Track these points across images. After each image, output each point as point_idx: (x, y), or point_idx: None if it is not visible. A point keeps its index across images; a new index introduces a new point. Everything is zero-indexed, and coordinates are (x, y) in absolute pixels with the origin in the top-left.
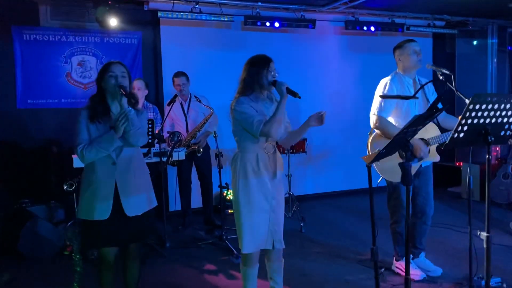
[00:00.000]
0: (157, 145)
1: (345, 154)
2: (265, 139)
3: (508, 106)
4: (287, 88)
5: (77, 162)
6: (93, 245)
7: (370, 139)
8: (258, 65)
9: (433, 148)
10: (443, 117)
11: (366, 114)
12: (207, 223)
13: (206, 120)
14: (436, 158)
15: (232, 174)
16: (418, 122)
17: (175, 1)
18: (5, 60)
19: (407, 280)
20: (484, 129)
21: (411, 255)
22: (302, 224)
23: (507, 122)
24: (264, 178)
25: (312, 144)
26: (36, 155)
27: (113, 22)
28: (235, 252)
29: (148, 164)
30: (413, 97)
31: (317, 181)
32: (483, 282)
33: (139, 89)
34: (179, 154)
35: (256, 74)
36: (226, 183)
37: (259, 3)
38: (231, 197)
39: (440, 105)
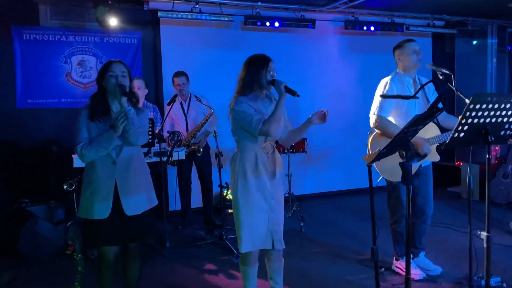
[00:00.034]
0: (157, 144)
1: (345, 153)
2: (264, 138)
3: (508, 105)
4: (286, 87)
5: (77, 162)
6: (93, 244)
7: (370, 139)
8: (257, 65)
9: (433, 148)
10: (443, 117)
11: (366, 114)
12: (207, 222)
13: (206, 120)
14: (436, 157)
15: (231, 173)
16: (418, 122)
17: (175, 1)
18: (5, 60)
19: (408, 279)
20: (484, 128)
21: (411, 254)
22: (302, 224)
23: (507, 121)
24: (263, 178)
25: (312, 143)
26: (36, 155)
27: (113, 21)
28: (235, 251)
29: (148, 163)
30: (414, 97)
31: (317, 180)
32: (483, 282)
33: (139, 88)
34: (179, 154)
35: (255, 74)
36: (226, 183)
37: (259, 3)
38: (231, 197)
39: (440, 105)
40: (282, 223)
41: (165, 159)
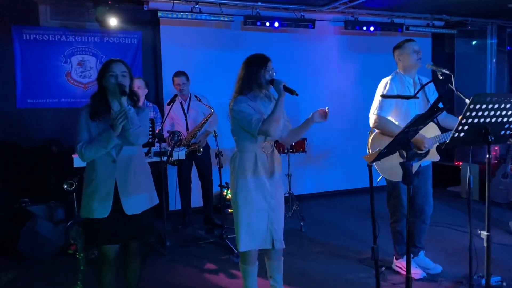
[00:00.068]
0: (157, 144)
1: (345, 153)
2: (263, 138)
3: (508, 105)
4: (284, 86)
5: (77, 162)
6: (93, 243)
7: (370, 139)
8: (256, 64)
9: (433, 147)
10: (443, 116)
11: (366, 113)
12: (207, 222)
13: (207, 120)
14: (436, 157)
15: (231, 173)
16: (419, 122)
17: (175, 1)
18: (5, 60)
19: (408, 278)
20: (484, 128)
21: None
22: (302, 224)
23: (507, 121)
24: (263, 178)
25: (312, 143)
26: (36, 154)
27: (113, 21)
28: (236, 251)
29: (148, 163)
30: (414, 97)
31: (317, 180)
32: (483, 281)
33: (139, 88)
34: (179, 154)
35: (254, 73)
36: (226, 183)
37: (259, 3)
38: (231, 197)
39: (441, 105)
40: (282, 222)
41: (165, 159)
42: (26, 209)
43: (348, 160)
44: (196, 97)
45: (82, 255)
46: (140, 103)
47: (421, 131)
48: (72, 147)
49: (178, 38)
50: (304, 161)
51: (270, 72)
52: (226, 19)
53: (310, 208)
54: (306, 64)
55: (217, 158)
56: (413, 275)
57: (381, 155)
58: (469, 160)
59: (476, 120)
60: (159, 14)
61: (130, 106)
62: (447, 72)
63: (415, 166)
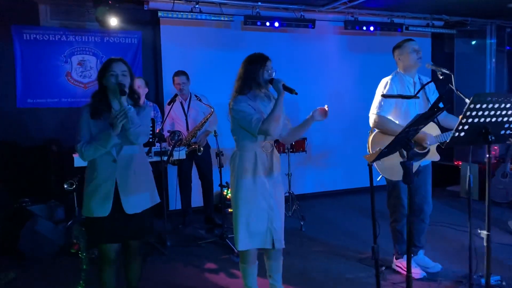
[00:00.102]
0: (157, 144)
1: (345, 153)
2: (263, 137)
3: (508, 105)
4: (284, 85)
5: (78, 161)
6: (94, 242)
7: (370, 138)
8: (255, 64)
9: (433, 147)
10: (443, 116)
11: (365, 113)
12: (208, 222)
13: (207, 119)
14: (436, 157)
15: (231, 172)
16: (419, 121)
17: (175, 1)
18: (5, 60)
19: (409, 277)
20: (484, 128)
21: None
22: (302, 223)
23: (507, 121)
24: (263, 177)
25: (312, 143)
26: (36, 154)
27: (113, 21)
28: (236, 251)
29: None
30: (415, 96)
31: (317, 180)
32: (482, 280)
33: (139, 87)
34: (180, 153)
35: (253, 73)
36: (226, 182)
37: (259, 3)
38: (231, 196)
39: (441, 105)
40: (282, 222)
41: (165, 158)
42: (26, 209)
43: (348, 160)
44: (196, 96)
45: (84, 254)
46: (141, 103)
47: (421, 131)
48: (73, 146)
49: (178, 38)
50: (304, 161)
51: (269, 71)
52: (226, 19)
53: (310, 207)
54: (306, 64)
55: (218, 158)
56: (413, 275)
57: (381, 155)
58: (469, 159)
59: (476, 120)
60: (159, 14)
61: (130, 106)
62: (447, 72)
63: (415, 166)
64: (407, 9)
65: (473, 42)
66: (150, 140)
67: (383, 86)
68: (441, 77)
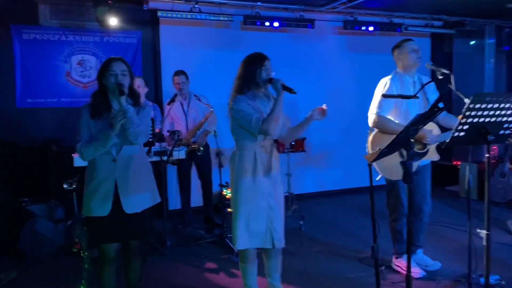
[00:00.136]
0: (157, 144)
1: (344, 153)
2: (263, 137)
3: (507, 105)
4: (283, 85)
5: (78, 161)
6: (94, 242)
7: (370, 138)
8: (253, 63)
9: (432, 147)
10: (443, 116)
11: (365, 113)
12: (207, 221)
13: (206, 119)
14: (436, 156)
15: (231, 172)
16: (419, 121)
17: (174, 1)
18: (4, 60)
19: (409, 277)
20: (484, 128)
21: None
22: (301, 223)
23: (506, 121)
24: (262, 176)
25: (312, 143)
26: (36, 154)
27: (112, 21)
28: (236, 250)
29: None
30: (414, 96)
31: (317, 179)
32: (482, 280)
33: (139, 87)
34: (180, 153)
35: (252, 72)
36: (226, 182)
37: (259, 3)
38: (230, 195)
39: (441, 104)
40: (282, 221)
41: (165, 158)
42: (26, 209)
43: (348, 160)
44: (195, 96)
45: (86, 253)
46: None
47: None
48: (72, 146)
49: (177, 38)
50: (303, 161)
51: (268, 71)
52: (225, 19)
53: (309, 207)
54: (306, 64)
55: (217, 158)
56: (412, 274)
57: (382, 154)
58: (469, 159)
59: (476, 120)
60: (159, 13)
61: (129, 106)
62: (447, 71)
63: (414, 165)
64: (406, 9)
65: (472, 42)
66: (150, 140)
67: (382, 85)
68: (440, 77)
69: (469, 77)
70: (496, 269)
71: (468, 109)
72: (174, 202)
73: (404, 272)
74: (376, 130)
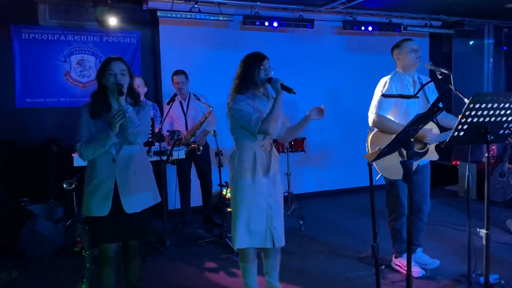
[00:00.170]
0: (157, 143)
1: (344, 153)
2: (262, 136)
3: (507, 105)
4: (282, 84)
5: (77, 161)
6: (94, 242)
7: (369, 137)
8: (252, 63)
9: (431, 146)
10: (442, 116)
11: (364, 113)
12: (207, 221)
13: (206, 118)
14: (435, 156)
15: (230, 171)
16: (419, 121)
17: (174, 1)
18: (4, 59)
19: (409, 276)
20: (483, 127)
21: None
22: (301, 222)
23: (506, 120)
24: (262, 176)
25: (311, 143)
26: (35, 154)
27: (112, 21)
28: (236, 250)
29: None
30: (414, 96)
31: (316, 179)
32: (481, 279)
33: (139, 86)
34: (179, 153)
35: (250, 72)
36: (226, 182)
37: (258, 3)
38: (230, 195)
39: (441, 104)
40: (281, 220)
41: (165, 158)
42: (26, 209)
43: (347, 159)
44: (195, 96)
45: (88, 252)
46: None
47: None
48: (72, 146)
49: (177, 38)
50: (303, 160)
51: (267, 70)
52: (225, 18)
53: (309, 207)
54: (305, 64)
55: (217, 157)
56: (412, 273)
57: (382, 154)
58: (468, 159)
59: (475, 120)
60: (158, 13)
61: (128, 105)
62: (446, 71)
63: (413, 165)
64: (405, 9)
65: (471, 42)
66: (150, 139)
67: (382, 85)
68: (440, 77)
69: (468, 77)
70: (495, 268)
71: (468, 108)
72: (174, 202)
73: (404, 272)
74: (375, 129)
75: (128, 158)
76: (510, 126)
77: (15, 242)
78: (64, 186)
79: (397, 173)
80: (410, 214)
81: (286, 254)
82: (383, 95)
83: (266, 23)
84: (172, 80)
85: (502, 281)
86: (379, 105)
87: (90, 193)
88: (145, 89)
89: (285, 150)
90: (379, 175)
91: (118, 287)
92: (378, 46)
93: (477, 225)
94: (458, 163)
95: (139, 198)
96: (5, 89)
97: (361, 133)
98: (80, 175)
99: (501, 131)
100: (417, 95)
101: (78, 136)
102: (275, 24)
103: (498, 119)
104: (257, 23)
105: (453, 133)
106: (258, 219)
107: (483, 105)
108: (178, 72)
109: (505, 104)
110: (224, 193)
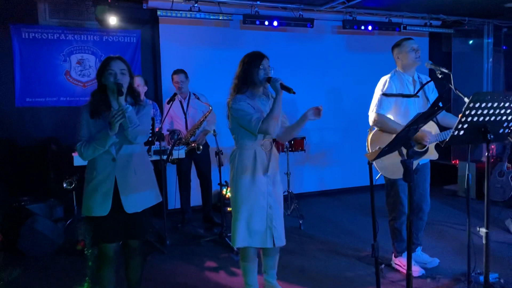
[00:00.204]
0: (157, 143)
1: (344, 152)
2: (262, 136)
3: (507, 104)
4: (281, 84)
5: (77, 160)
6: (93, 241)
7: (369, 137)
8: (251, 62)
9: (431, 146)
10: (442, 115)
11: (364, 112)
12: (207, 221)
13: (205, 117)
14: (435, 155)
15: (230, 171)
16: (420, 120)
17: (174, 0)
18: (4, 59)
19: (409, 275)
20: (483, 127)
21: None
22: (301, 222)
23: (506, 120)
24: (262, 175)
25: (311, 142)
26: (35, 153)
27: (112, 20)
28: (236, 249)
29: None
30: (415, 95)
31: (316, 179)
32: (481, 278)
33: (138, 85)
34: (179, 152)
35: (250, 71)
36: (225, 181)
37: (258, 2)
38: (230, 194)
39: (441, 104)
40: (281, 219)
41: (165, 157)
42: (25, 208)
43: (347, 159)
44: (194, 95)
45: (90, 251)
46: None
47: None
48: (72, 145)
49: (177, 37)
50: (303, 160)
51: (266, 69)
52: (225, 18)
53: (309, 206)
54: (305, 63)
55: (217, 157)
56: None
57: (382, 153)
58: (468, 158)
59: (475, 119)
60: (158, 12)
61: (128, 105)
62: (446, 71)
63: (413, 164)
64: (405, 8)
65: (471, 42)
66: (150, 139)
67: (382, 84)
68: (440, 76)
69: (468, 76)
70: (494, 267)
71: (468, 108)
72: (174, 201)
73: (404, 271)
74: (376, 128)
75: (128, 157)
76: (510, 125)
77: (15, 241)
78: (64, 185)
79: (397, 173)
80: (410, 213)
81: (285, 253)
82: (384, 94)
83: (266, 23)
84: (172, 79)
85: (502, 280)
86: (380, 104)
87: (90, 193)
88: (145, 88)
89: (285, 149)
90: (379, 174)
91: (118, 287)
92: (378, 45)
93: (476, 224)
94: (457, 162)
95: (139, 198)
96: (5, 89)
97: (361, 132)
98: (80, 174)
99: (501, 130)
100: (417, 94)
101: (78, 136)
102: (275, 23)
103: (498, 118)
104: (257, 22)
105: (453, 132)
106: (258, 219)
107: (483, 104)
108: (178, 71)
109: (504, 103)
110: (224, 192)
